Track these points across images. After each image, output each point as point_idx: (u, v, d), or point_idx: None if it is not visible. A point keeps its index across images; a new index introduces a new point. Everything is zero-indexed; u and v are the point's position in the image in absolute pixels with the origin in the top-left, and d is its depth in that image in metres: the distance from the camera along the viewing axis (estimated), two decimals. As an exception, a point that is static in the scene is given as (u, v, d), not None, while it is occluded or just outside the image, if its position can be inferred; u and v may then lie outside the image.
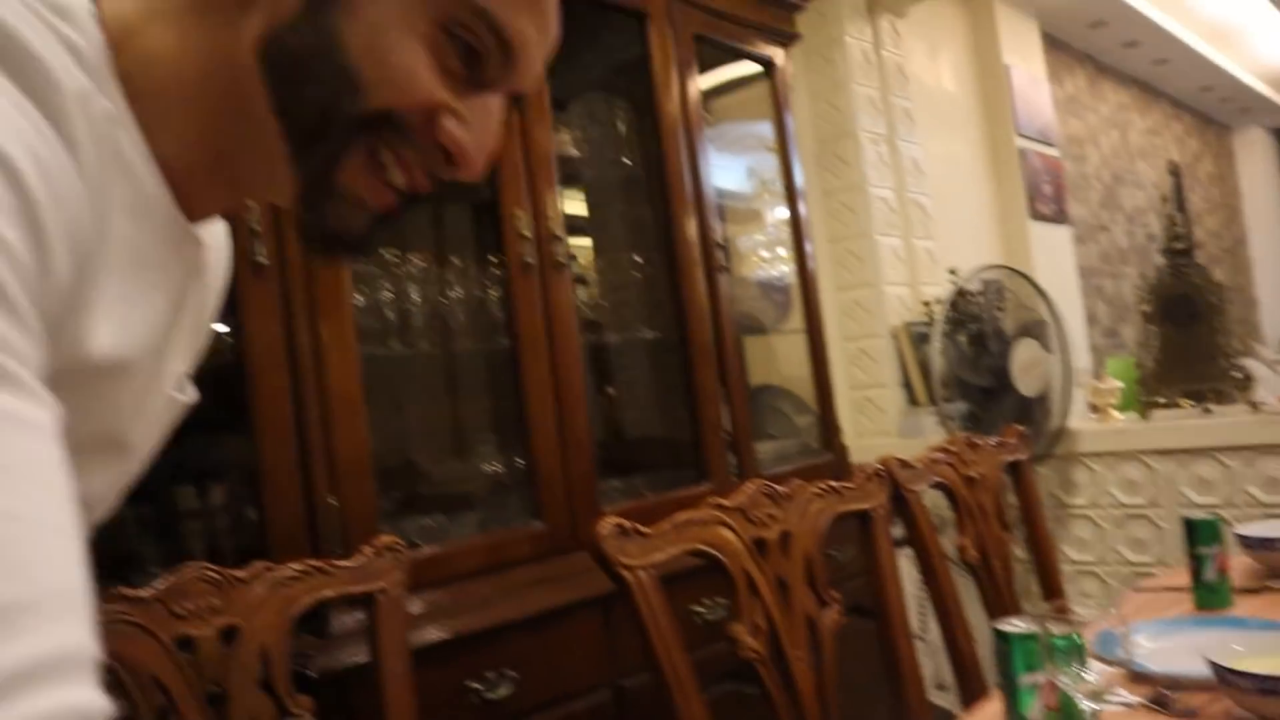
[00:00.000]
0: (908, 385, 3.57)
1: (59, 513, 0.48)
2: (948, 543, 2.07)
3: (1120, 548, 3.51)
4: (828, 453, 2.90)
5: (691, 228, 2.58)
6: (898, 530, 1.98)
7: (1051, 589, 2.22)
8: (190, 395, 0.85)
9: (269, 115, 0.64)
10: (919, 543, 1.96)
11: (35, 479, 0.47)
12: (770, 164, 3.08)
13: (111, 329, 0.61)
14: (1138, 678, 1.51)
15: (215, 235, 0.82)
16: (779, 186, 3.04)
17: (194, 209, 0.69)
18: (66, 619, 0.46)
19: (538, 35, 0.69)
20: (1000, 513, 2.20)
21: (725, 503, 1.65)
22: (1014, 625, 1.28)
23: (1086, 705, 1.20)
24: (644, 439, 2.88)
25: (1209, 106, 7.94)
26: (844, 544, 2.33)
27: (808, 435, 3.03)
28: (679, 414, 2.66)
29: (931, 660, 2.78)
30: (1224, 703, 1.39)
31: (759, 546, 1.65)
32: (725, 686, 2.24)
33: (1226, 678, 1.27)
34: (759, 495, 1.69)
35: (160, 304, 0.68)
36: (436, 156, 0.68)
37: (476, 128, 0.68)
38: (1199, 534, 1.80)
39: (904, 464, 1.98)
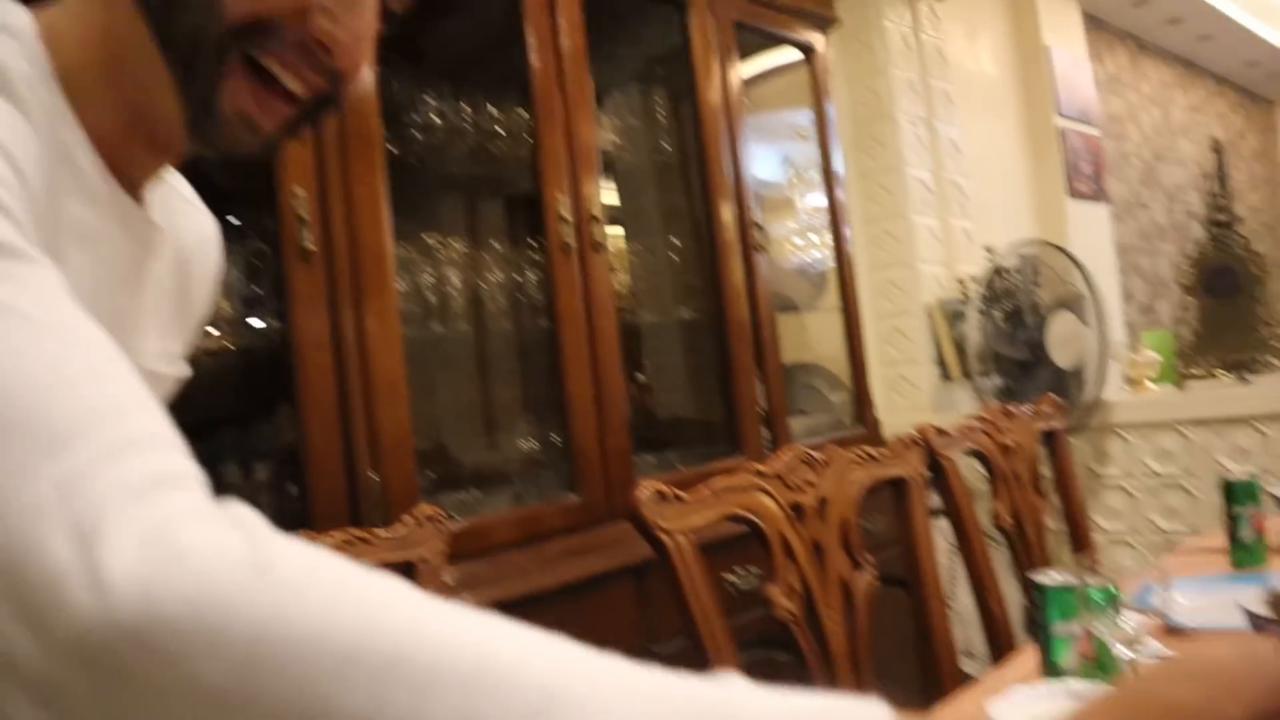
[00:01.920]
0: (941, 362, 3.57)
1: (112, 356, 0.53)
2: (981, 512, 2.09)
3: (1153, 516, 3.50)
4: (860, 427, 2.92)
5: (729, 211, 2.62)
6: (933, 501, 2.00)
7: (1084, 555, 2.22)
8: (180, 370, 0.91)
9: (155, 55, 0.68)
10: (953, 508, 1.98)
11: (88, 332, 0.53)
12: (803, 152, 3.10)
13: None
14: (1173, 631, 1.52)
15: (203, 226, 0.91)
16: (812, 174, 3.06)
17: (131, 177, 0.74)
18: (148, 412, 0.51)
19: None
20: (1035, 480, 2.21)
21: (763, 469, 1.67)
22: (1050, 577, 1.30)
23: (1122, 652, 1.22)
24: (676, 419, 2.91)
25: (1253, 82, 7.81)
26: (876, 515, 2.34)
27: (841, 412, 3.05)
28: (711, 394, 2.69)
29: (960, 629, 2.79)
30: (1260, 654, 1.40)
31: (796, 512, 1.67)
32: (757, 653, 2.27)
33: (1262, 625, 1.28)
34: (796, 462, 1.72)
35: (110, 280, 0.73)
36: (316, 55, 0.70)
37: (346, 18, 0.69)
38: (1236, 494, 1.80)
39: (940, 431, 2.00)
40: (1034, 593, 1.28)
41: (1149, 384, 3.64)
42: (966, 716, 1.31)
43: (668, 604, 1.52)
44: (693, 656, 1.51)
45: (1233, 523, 1.82)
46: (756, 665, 2.03)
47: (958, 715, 1.32)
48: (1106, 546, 3.62)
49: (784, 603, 1.61)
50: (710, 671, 0.51)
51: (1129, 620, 1.23)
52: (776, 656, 2.26)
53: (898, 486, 1.86)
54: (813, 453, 1.75)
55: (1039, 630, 1.29)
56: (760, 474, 1.66)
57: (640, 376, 2.89)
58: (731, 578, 2.28)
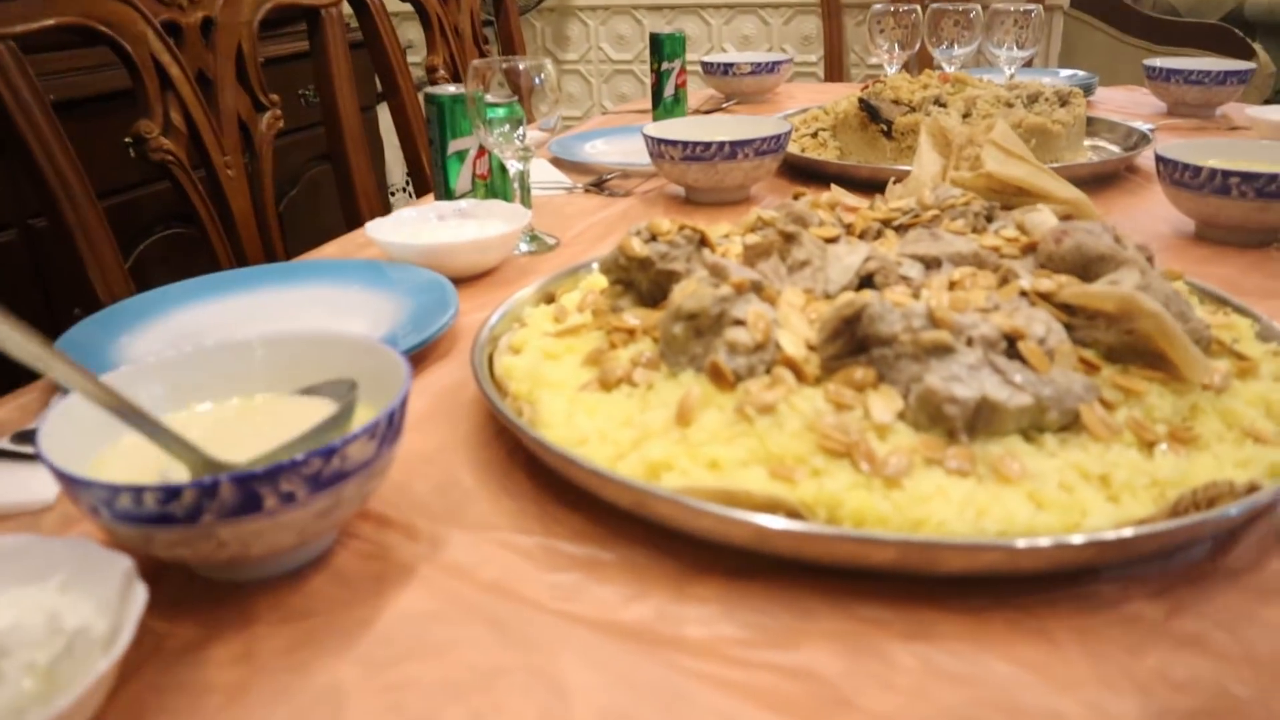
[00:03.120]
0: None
1: None
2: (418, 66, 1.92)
3: (607, 102, 3.61)
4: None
5: None
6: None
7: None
8: None
9: None
10: (377, 49, 1.78)
11: None
12: None
13: None
14: (588, 170, 1.49)
15: None
16: None
17: None
18: None
19: None
20: (476, 37, 2.06)
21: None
22: (444, 89, 1.15)
23: (515, 169, 1.13)
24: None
25: None
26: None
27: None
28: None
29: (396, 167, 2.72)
30: (655, 183, 1.41)
31: (172, 32, 1.36)
32: (167, 231, 2.01)
33: (660, 150, 1.27)
34: (172, -27, 1.38)
35: None
36: None
37: None
38: (663, 48, 1.78)
39: (365, -36, 1.74)
40: (429, 106, 1.14)
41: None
42: (357, 243, 1.18)
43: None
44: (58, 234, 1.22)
45: (658, 79, 1.81)
46: (160, 244, 1.77)
47: (349, 243, 1.19)
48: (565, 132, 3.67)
49: (162, 142, 1.34)
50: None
51: (525, 139, 1.13)
52: (186, 232, 2.01)
53: (311, 18, 1.60)
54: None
55: (435, 149, 1.16)
56: (123, -17, 1.31)
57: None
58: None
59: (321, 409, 0.60)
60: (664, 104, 1.83)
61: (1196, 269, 0.99)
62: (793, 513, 0.52)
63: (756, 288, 0.66)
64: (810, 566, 0.54)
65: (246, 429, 0.62)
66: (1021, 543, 0.49)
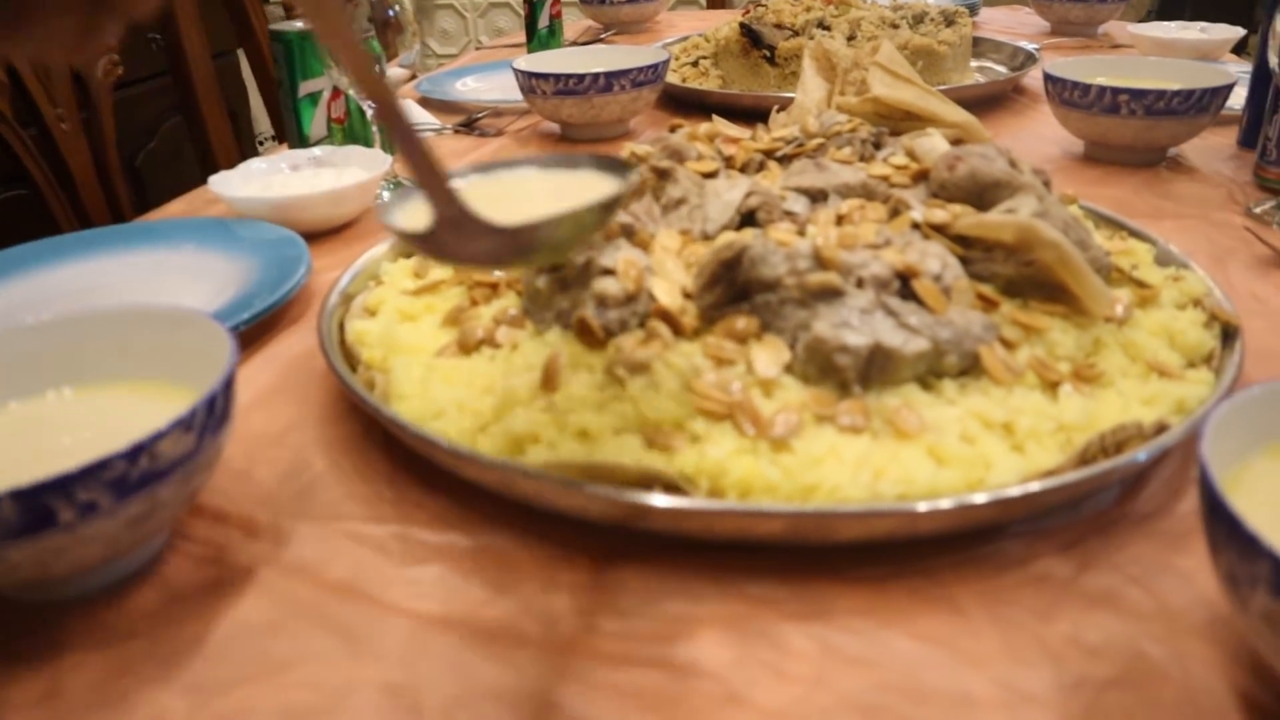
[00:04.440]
0: None
1: None
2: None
3: (483, 37, 3.47)
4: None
5: None
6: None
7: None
8: None
9: None
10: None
11: None
12: None
13: None
14: (459, 110, 1.40)
15: None
16: None
17: None
18: None
19: None
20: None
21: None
22: (291, 24, 1.05)
23: (373, 110, 1.04)
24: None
25: None
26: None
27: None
28: None
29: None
30: (529, 120, 1.33)
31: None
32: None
33: (531, 85, 1.19)
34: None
35: None
36: None
37: None
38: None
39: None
40: (274, 45, 1.04)
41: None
42: (206, 200, 1.08)
43: None
44: None
45: (531, 9, 1.72)
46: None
47: (198, 199, 1.09)
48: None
49: (-22, 95, 1.21)
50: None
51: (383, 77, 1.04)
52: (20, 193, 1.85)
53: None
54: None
55: (285, 92, 1.06)
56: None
57: None
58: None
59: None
60: (539, 36, 1.74)
61: (1089, 191, 0.96)
62: (671, 486, 0.47)
63: (627, 232, 0.60)
64: (694, 544, 0.49)
65: (43, 436, 0.53)
66: (922, 506, 0.45)
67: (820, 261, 0.53)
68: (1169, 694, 0.40)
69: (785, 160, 0.76)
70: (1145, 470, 0.53)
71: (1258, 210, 0.91)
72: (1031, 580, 0.47)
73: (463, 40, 3.52)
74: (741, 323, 0.53)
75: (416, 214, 0.43)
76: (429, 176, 0.41)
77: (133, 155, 2.10)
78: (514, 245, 0.41)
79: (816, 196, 0.67)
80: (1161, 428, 0.50)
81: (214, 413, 0.48)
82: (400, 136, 0.41)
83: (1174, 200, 0.96)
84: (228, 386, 0.49)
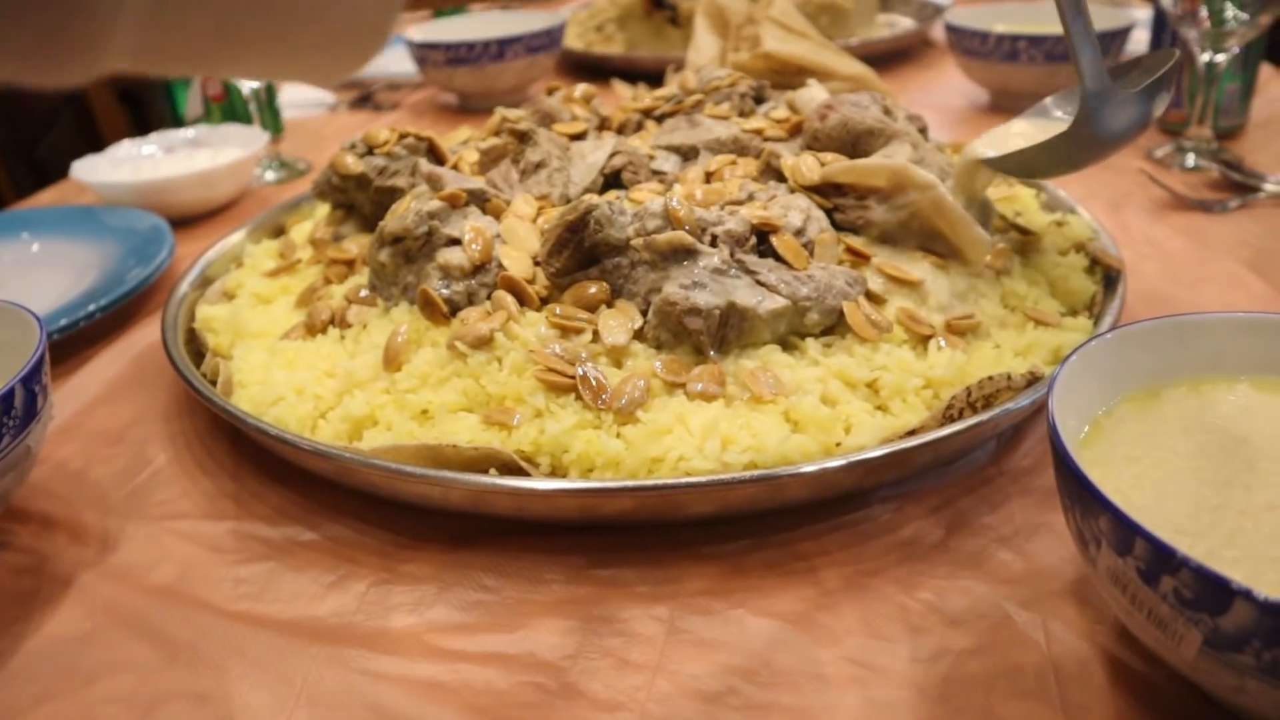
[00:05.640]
0: None
1: None
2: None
3: None
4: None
5: None
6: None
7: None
8: None
9: None
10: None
11: None
12: None
13: None
14: (352, 85, 1.35)
15: None
16: None
17: None
18: None
19: None
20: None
21: None
22: None
23: (248, 87, 0.99)
24: None
25: None
26: None
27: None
28: None
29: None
30: (426, 92, 1.29)
31: None
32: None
33: (423, 55, 1.14)
34: None
35: None
36: None
37: None
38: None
39: None
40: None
41: None
42: (78, 187, 1.02)
43: None
44: None
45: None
46: None
47: (70, 187, 1.03)
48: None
49: None
50: None
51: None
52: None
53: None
54: None
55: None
56: None
57: None
58: None
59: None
60: (443, 10, 1.69)
61: (989, 141, 0.93)
62: (509, 465, 0.44)
63: (479, 199, 0.57)
64: (540, 526, 0.45)
65: None
66: (773, 474, 0.42)
67: (670, 220, 0.50)
68: (1030, 660, 0.38)
69: (664, 119, 0.73)
70: (1020, 424, 0.51)
71: (1159, 154, 0.89)
72: (898, 546, 0.44)
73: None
74: (592, 289, 0.50)
75: (1005, 143, 0.56)
76: (1094, 51, 0.51)
77: (32, 145, 2.02)
78: (1142, 114, 0.52)
79: (688, 154, 0.64)
80: (1034, 378, 0.47)
81: (11, 413, 0.44)
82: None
83: (1076, 147, 0.94)
84: (28, 382, 0.45)
